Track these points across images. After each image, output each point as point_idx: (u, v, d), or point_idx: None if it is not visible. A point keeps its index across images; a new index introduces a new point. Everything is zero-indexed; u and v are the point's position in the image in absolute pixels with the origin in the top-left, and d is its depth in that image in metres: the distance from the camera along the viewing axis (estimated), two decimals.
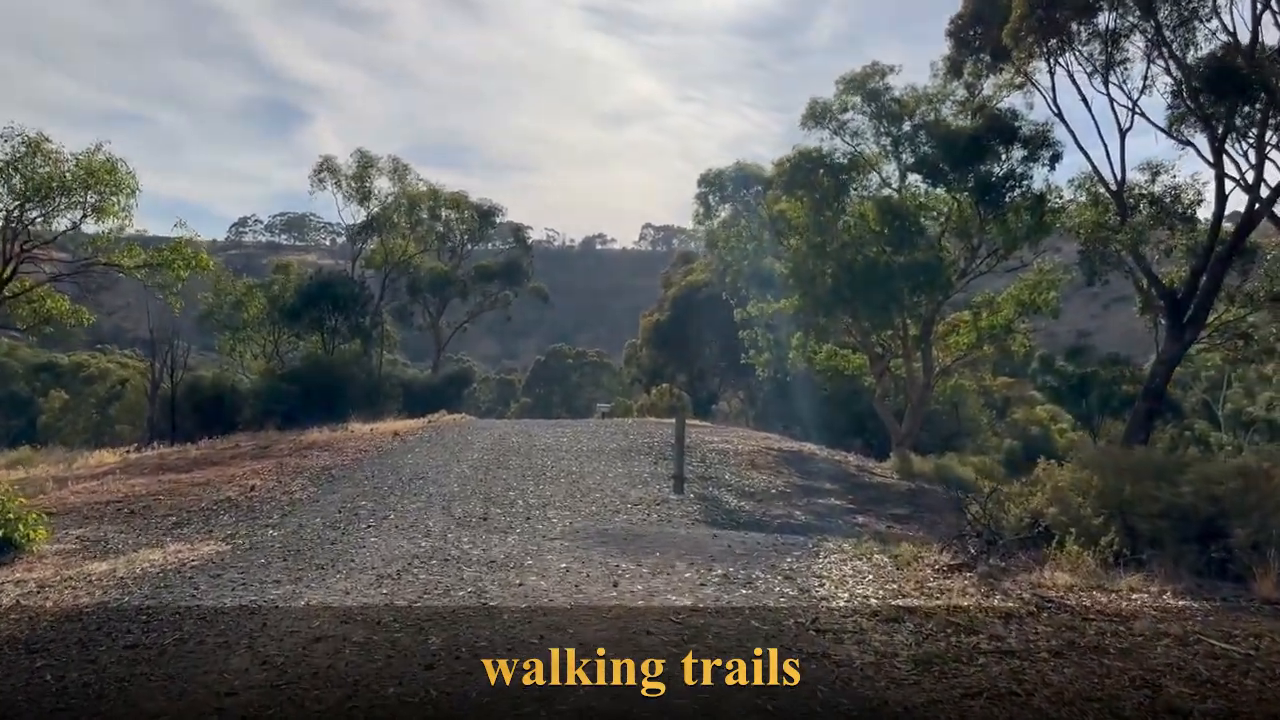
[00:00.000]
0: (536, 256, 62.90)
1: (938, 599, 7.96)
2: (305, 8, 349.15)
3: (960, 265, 26.09)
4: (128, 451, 29.11)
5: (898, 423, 27.48)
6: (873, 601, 7.90)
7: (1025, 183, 24.38)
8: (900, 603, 7.81)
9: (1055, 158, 24.74)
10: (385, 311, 50.92)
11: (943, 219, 26.27)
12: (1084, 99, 23.56)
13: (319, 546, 10.88)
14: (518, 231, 54.55)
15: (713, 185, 26.26)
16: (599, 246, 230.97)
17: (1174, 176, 25.75)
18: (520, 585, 8.55)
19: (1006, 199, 24.64)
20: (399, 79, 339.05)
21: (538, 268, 60.49)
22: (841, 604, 7.86)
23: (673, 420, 34.10)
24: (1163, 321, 29.71)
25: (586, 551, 10.24)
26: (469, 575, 9.03)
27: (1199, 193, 25.93)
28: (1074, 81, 23.64)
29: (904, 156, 26.68)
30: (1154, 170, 25.82)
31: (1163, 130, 22.88)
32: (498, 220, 53.28)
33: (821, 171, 24.74)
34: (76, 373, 66.05)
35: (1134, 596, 8.20)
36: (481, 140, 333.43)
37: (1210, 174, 27.73)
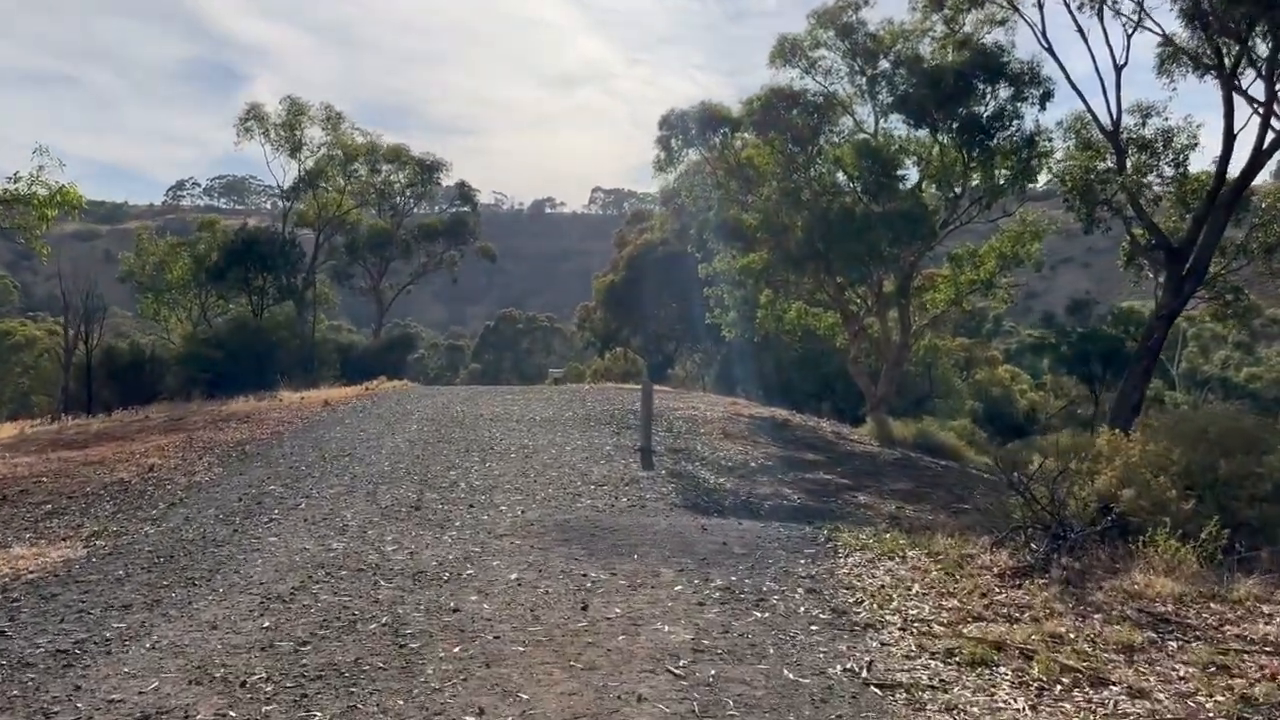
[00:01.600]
0: (485, 221, 59.92)
1: (1023, 623, 5.88)
2: None
3: (941, 215, 24.09)
4: (30, 425, 26.27)
5: (873, 385, 25.58)
6: (938, 629, 5.80)
7: (1015, 122, 22.41)
8: (976, 631, 5.71)
9: (1046, 96, 22.76)
10: (322, 272, 47.87)
11: (923, 164, 24.21)
12: (1079, 28, 21.55)
13: (200, 550, 8.52)
14: (463, 188, 51.46)
15: (675, 128, 23.74)
16: (548, 210, 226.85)
17: (1165, 120, 24.01)
18: (455, 612, 6.30)
19: (994, 141, 22.66)
20: (341, 39, 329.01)
21: (486, 232, 57.52)
22: (897, 634, 5.74)
23: (632, 386, 31.99)
24: (1149, 274, 28.18)
25: (544, 554, 8.02)
26: (386, 595, 6.75)
27: (1193, 136, 24.20)
28: (1068, 7, 21.61)
29: (881, 96, 24.47)
30: (1144, 112, 24.02)
31: (1183, 53, 20.97)
32: (441, 178, 50.22)
33: (795, 111, 22.49)
34: (2, 341, 61.90)
35: (1265, 609, 6.22)
36: (426, 102, 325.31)
37: (1207, 117, 25.84)
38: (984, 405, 45.62)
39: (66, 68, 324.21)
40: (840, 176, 24.51)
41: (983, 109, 22.82)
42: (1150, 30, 22.15)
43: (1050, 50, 22.98)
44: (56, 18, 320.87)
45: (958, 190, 23.99)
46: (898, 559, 7.76)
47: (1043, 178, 24.83)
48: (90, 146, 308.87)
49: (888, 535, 8.78)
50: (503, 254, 77.72)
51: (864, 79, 24.70)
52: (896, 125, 24.83)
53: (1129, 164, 22.62)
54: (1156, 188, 24.41)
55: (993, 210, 25.75)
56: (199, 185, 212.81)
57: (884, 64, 24.58)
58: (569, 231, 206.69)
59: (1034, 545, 7.56)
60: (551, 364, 77.06)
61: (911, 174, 24.47)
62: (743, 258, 24.80)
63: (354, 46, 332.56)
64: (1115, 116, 22.35)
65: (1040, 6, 23.39)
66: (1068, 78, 23.10)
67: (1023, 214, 26.24)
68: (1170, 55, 23.83)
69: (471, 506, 10.44)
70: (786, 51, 24.37)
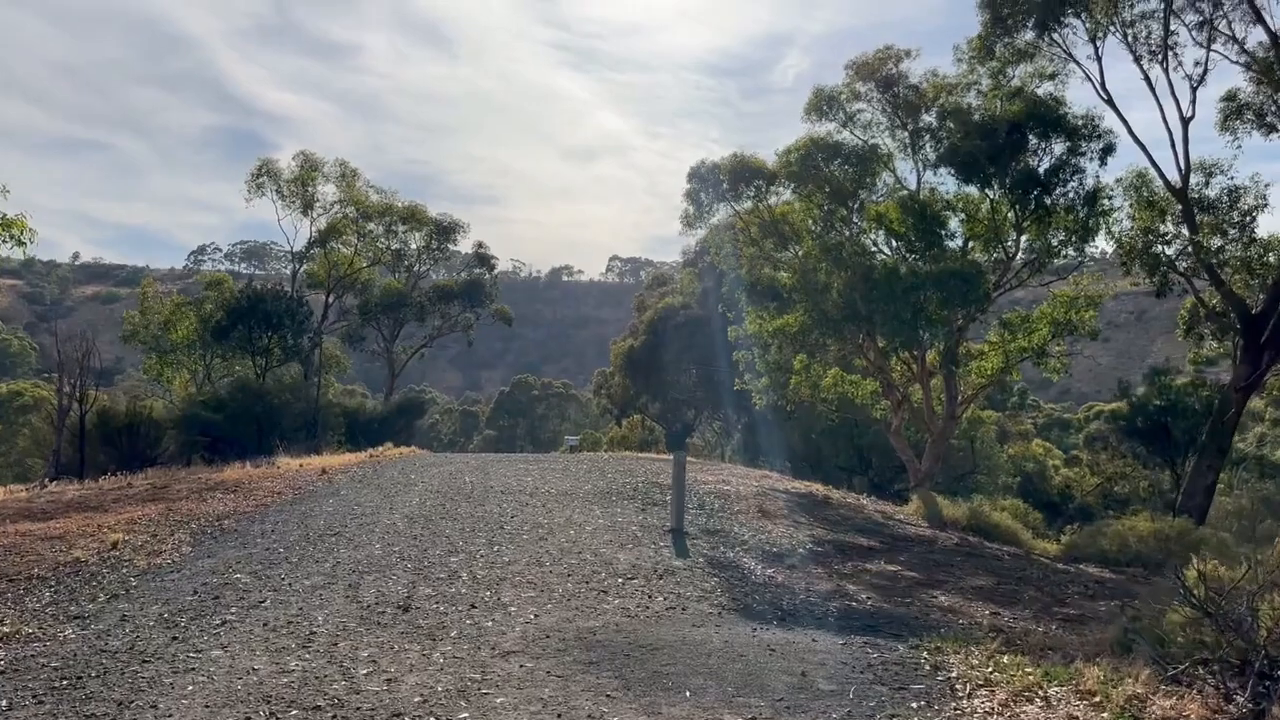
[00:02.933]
0: (502, 287, 58.73)
1: None
2: (272, 39, 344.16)
3: (991, 277, 22.34)
4: (8, 491, 24.51)
5: (917, 459, 23.55)
6: None
7: (1076, 177, 20.70)
8: None
9: (1107, 150, 21.11)
10: (333, 335, 46.42)
11: (970, 222, 22.52)
12: (1146, 78, 20.04)
13: (120, 669, 6.59)
14: (479, 248, 50.23)
15: (705, 181, 22.20)
16: (566, 278, 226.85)
17: (1230, 179, 22.35)
18: None
19: (1052, 197, 20.97)
20: (366, 110, 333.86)
21: (503, 298, 56.20)
22: None
23: (653, 456, 30.00)
24: (1214, 342, 26.25)
25: (563, 686, 6.06)
26: None
27: (1261, 196, 22.50)
28: (1134, 55, 20.10)
29: (925, 151, 22.94)
30: (1207, 171, 22.38)
31: (1247, 109, 19.33)
32: (458, 238, 49.03)
33: (836, 162, 20.93)
34: (11, 402, 60.63)
35: None
36: (448, 172, 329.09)
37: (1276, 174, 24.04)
38: (1019, 481, 43.41)
39: (97, 135, 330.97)
40: (882, 234, 22.84)
41: (1038, 163, 21.19)
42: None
43: (1110, 102, 21.42)
44: (89, 87, 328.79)
45: (1009, 250, 22.23)
46: (1038, 701, 5.76)
47: (1100, 240, 23.04)
48: (118, 212, 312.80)
49: (1005, 659, 6.78)
50: (519, 320, 76.49)
51: (906, 133, 23.16)
52: (942, 181, 23.25)
53: (1200, 224, 20.91)
54: (1228, 250, 22.67)
55: (1044, 273, 24.05)
56: (220, 250, 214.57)
57: (927, 118, 23.09)
58: (586, 299, 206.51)
59: (1228, 685, 5.56)
60: (567, 431, 75.14)
61: (957, 233, 22.77)
62: (776, 319, 23.04)
63: (378, 117, 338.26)
64: (1184, 172, 20.71)
65: (1098, 58, 22.00)
66: (1130, 131, 21.52)
67: (1075, 279, 24.51)
68: (1234, 111, 22.31)
69: (473, 607, 8.49)
70: (823, 104, 22.91)
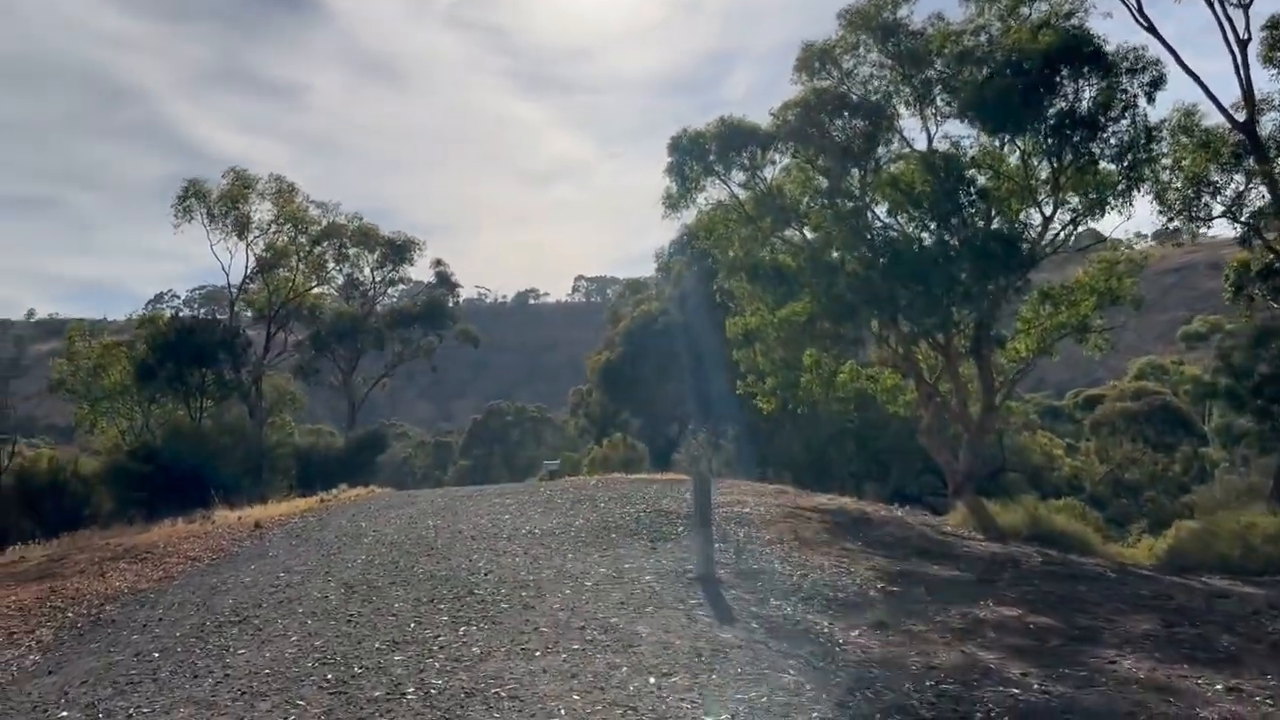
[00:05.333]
0: (468, 314, 55.25)
1: None
2: (220, 83, 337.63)
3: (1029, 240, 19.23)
4: None
5: (954, 460, 20.36)
6: None
7: (1129, 112, 17.65)
8: None
9: (1155, 84, 18.13)
10: (282, 368, 42.67)
11: (999, 180, 19.40)
12: None
13: None
14: (439, 267, 46.70)
15: (689, 153, 18.93)
16: (532, 301, 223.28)
17: None
18: None
19: (1097, 141, 17.94)
20: (319, 149, 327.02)
21: (470, 325, 52.59)
22: None
23: (649, 477, 26.39)
24: (1274, 304, 23.34)
25: None
26: None
27: None
28: None
29: (937, 103, 19.86)
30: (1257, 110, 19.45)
31: None
32: (415, 258, 45.46)
33: (842, 118, 17.80)
34: None
35: None
36: (408, 205, 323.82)
37: None
38: (1026, 476, 40.47)
39: (48, 191, 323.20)
40: (895, 202, 19.65)
41: (1078, 102, 18.12)
42: None
43: (1152, 29, 18.45)
44: (36, 143, 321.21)
45: (1047, 208, 19.11)
46: None
47: (1144, 192, 19.96)
48: (74, 266, 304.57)
49: None
50: (487, 347, 72.86)
51: (909, 88, 20.03)
52: (963, 136, 20.12)
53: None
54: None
55: (1078, 239, 21.05)
56: (179, 297, 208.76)
57: (934, 69, 20.00)
58: (554, 321, 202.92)
59: None
60: (545, 456, 71.46)
61: (985, 194, 19.59)
62: (780, 309, 19.82)
63: (333, 155, 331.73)
64: (1248, 98, 17.73)
65: None
66: (1179, 60, 18.52)
67: (1114, 243, 21.53)
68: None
69: None
70: (814, 60, 19.77)
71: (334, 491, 25.28)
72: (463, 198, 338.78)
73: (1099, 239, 22.99)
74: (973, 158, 19.14)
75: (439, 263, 46.41)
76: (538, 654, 7.18)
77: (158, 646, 8.42)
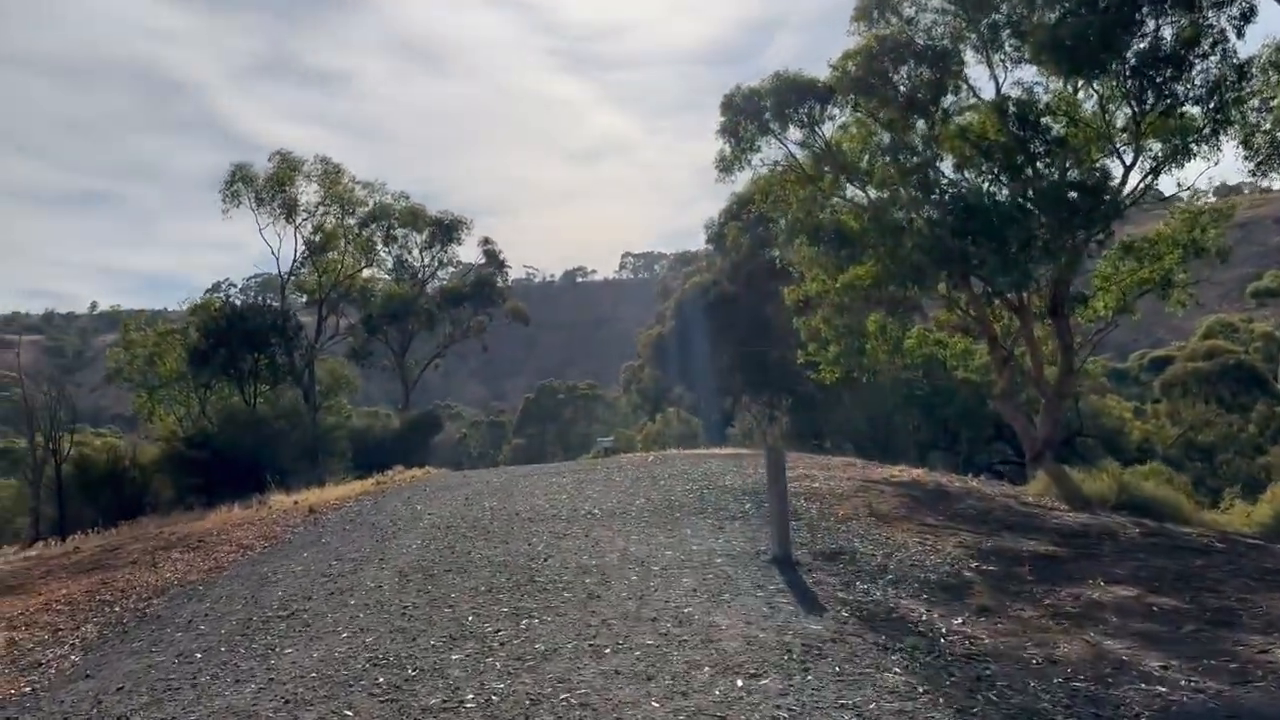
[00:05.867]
0: (517, 293, 54.76)
1: None
2: (269, 74, 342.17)
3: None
4: None
5: (1031, 426, 19.28)
6: None
7: (1219, 48, 16.33)
8: None
9: (1245, 16, 16.75)
10: (335, 352, 42.61)
11: (1074, 126, 18.11)
12: None
13: None
14: (487, 246, 46.17)
15: (743, 111, 17.96)
16: (580, 279, 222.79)
17: None
18: None
19: (1181, 82, 16.63)
20: (368, 135, 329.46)
21: (520, 302, 52.07)
22: None
23: (707, 452, 25.59)
24: None
25: None
26: None
27: None
28: None
29: (1006, 47, 18.63)
30: None
31: None
32: (463, 237, 44.96)
33: (907, 66, 16.71)
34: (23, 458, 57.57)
35: None
36: (455, 188, 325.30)
37: None
38: (1100, 441, 38.93)
39: (107, 186, 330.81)
40: (961, 155, 18.49)
41: (1161, 41, 16.79)
42: None
43: None
44: (95, 139, 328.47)
45: (1128, 154, 17.82)
46: None
47: (1230, 135, 18.54)
48: (134, 260, 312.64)
49: None
50: (537, 325, 72.41)
51: (975, 32, 18.79)
52: (1032, 82, 18.84)
53: None
54: None
55: (1160, 184, 19.67)
56: (235, 285, 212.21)
57: (1005, 8, 18.71)
58: (602, 298, 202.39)
59: None
60: (597, 433, 71.08)
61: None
62: (843, 273, 18.84)
63: (381, 140, 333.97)
64: None
65: None
66: None
67: (1195, 192, 20.13)
68: None
69: None
70: (873, 8, 18.62)
71: (389, 473, 24.94)
72: (509, 178, 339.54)
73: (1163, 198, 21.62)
74: (1046, 104, 17.88)
75: (487, 241, 45.94)
76: (608, 651, 6.49)
77: (201, 645, 7.90)
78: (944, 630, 6.92)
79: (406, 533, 12.94)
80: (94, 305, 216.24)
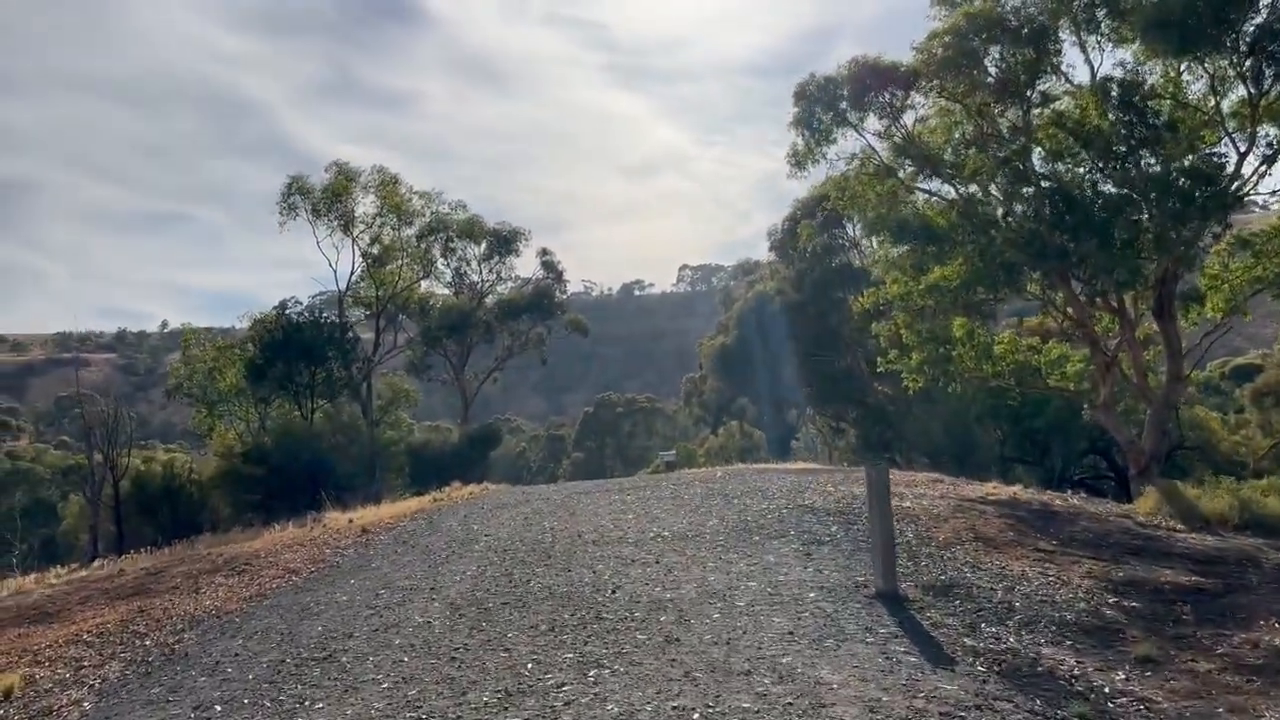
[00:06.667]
0: (575, 307, 53.96)
1: None
2: (332, 97, 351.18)
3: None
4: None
5: (1136, 439, 17.64)
6: None
7: None
8: None
9: None
10: (394, 366, 42.17)
11: (1183, 110, 16.53)
12: None
13: None
14: (545, 257, 45.36)
15: (817, 100, 16.72)
16: (637, 292, 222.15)
17: None
18: None
19: None
20: (429, 154, 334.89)
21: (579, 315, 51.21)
22: None
23: (779, 467, 24.17)
24: None
25: None
26: None
27: None
28: None
29: (1103, 27, 17.13)
30: None
31: None
32: (520, 248, 44.20)
33: (1003, 43, 15.31)
34: (67, 475, 58.35)
35: None
36: (514, 204, 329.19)
37: None
38: (1198, 452, 36.60)
39: (177, 207, 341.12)
40: (1056, 145, 16.99)
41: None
42: None
43: None
44: (166, 162, 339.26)
45: (1250, 136, 16.16)
46: None
47: None
48: (203, 278, 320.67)
49: None
50: (595, 340, 71.53)
51: (1068, 13, 17.29)
52: (1131, 64, 17.28)
53: None
54: None
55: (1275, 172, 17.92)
56: (300, 302, 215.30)
57: None
58: (659, 312, 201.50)
59: None
60: (657, 446, 69.78)
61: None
62: (927, 274, 17.45)
63: (441, 159, 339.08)
64: None
65: None
66: None
67: None
68: None
69: None
70: None
71: (446, 490, 24.04)
72: (567, 193, 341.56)
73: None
74: (1151, 86, 16.33)
75: (545, 252, 45.12)
76: (696, 717, 5.31)
77: (223, 695, 6.90)
78: (1107, 690, 5.61)
79: (461, 557, 11.91)
80: (164, 324, 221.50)
